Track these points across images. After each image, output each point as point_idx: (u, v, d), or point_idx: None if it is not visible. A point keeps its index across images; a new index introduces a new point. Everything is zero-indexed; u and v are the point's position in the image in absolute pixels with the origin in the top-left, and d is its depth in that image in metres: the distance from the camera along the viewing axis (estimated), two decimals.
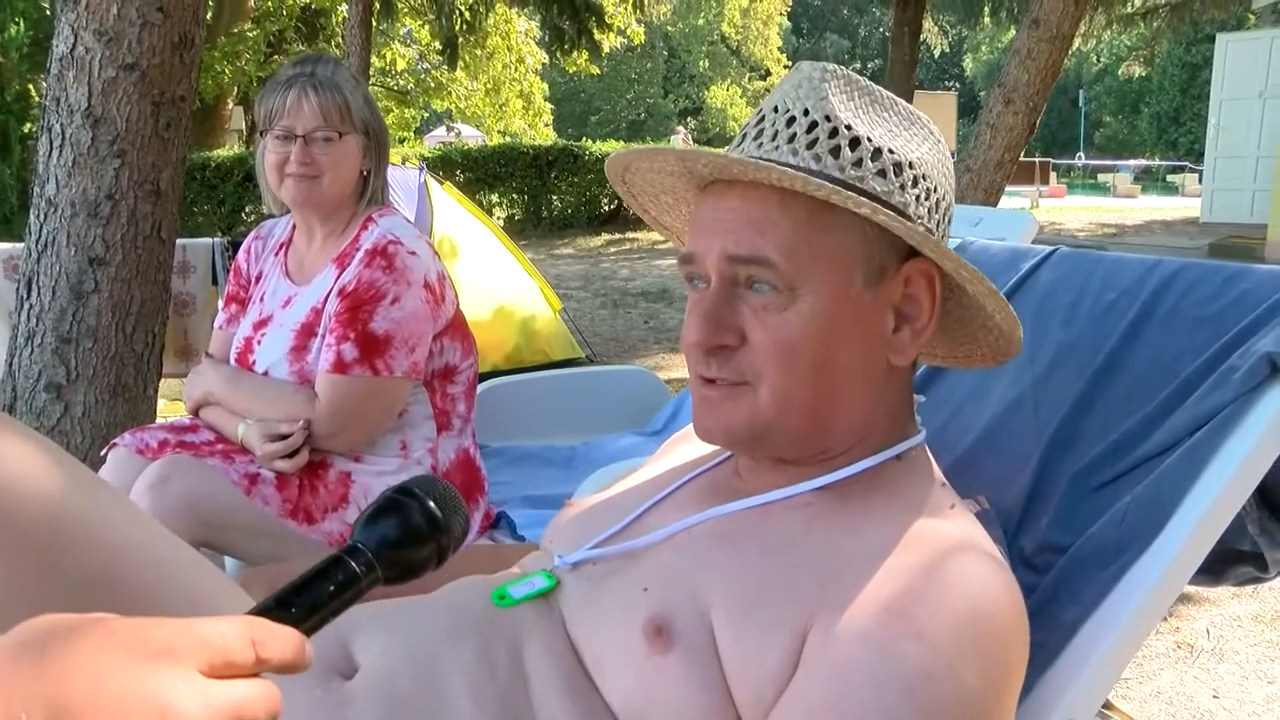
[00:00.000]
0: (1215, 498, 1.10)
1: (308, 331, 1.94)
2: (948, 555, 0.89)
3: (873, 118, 1.00)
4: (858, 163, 0.97)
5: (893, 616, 0.83)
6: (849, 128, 0.97)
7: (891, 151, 0.98)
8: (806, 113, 0.98)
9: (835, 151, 0.97)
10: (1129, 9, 15.18)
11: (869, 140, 0.98)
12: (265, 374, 1.98)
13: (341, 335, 1.88)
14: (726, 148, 1.05)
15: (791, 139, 0.98)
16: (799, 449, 1.01)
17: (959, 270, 0.97)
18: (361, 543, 0.75)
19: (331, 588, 0.70)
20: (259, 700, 0.55)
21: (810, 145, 0.97)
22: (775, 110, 1.01)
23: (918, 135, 1.02)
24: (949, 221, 1.06)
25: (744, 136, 1.03)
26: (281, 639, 0.60)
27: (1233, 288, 1.32)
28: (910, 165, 0.99)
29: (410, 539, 0.78)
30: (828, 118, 0.97)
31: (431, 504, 0.79)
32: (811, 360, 0.96)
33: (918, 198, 0.99)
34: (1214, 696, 2.46)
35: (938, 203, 1.02)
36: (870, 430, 1.02)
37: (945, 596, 0.84)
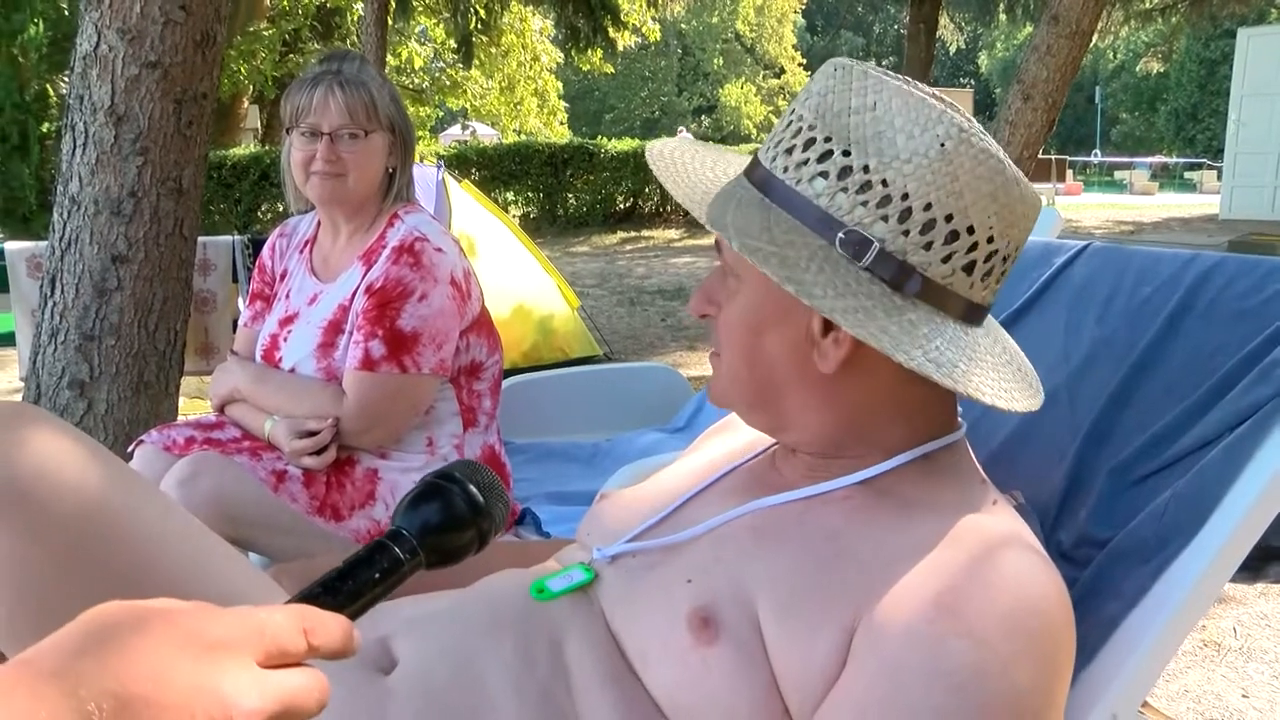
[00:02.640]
0: (1259, 493, 1.09)
1: (334, 328, 1.94)
2: (994, 551, 0.88)
3: (865, 120, 0.94)
4: (824, 174, 0.94)
5: (942, 613, 0.82)
6: (827, 139, 0.94)
7: (866, 169, 0.92)
8: (802, 118, 0.98)
9: (805, 161, 0.96)
10: (1147, 4, 15.08)
11: (843, 155, 0.93)
12: (291, 371, 1.98)
13: (369, 332, 1.87)
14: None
15: (778, 143, 0.99)
16: (763, 427, 1.07)
17: (844, 318, 0.90)
18: (404, 528, 0.76)
19: (376, 574, 0.71)
20: (310, 689, 0.57)
21: (789, 152, 0.97)
22: (789, 123, 1.01)
23: (918, 139, 0.92)
24: (930, 227, 0.92)
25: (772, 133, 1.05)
26: (330, 626, 0.61)
27: (1273, 282, 1.30)
28: (884, 183, 0.92)
29: (452, 524, 0.79)
30: (811, 126, 0.96)
31: (473, 489, 0.81)
32: (742, 345, 1.02)
33: (885, 218, 0.92)
34: (1243, 696, 2.43)
35: (907, 211, 0.92)
36: (875, 430, 1.00)
37: (994, 593, 0.84)
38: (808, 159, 0.95)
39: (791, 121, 0.99)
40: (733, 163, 1.10)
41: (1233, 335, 1.29)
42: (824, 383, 0.99)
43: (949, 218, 0.93)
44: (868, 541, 0.92)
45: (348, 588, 0.69)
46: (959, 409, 1.07)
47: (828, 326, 0.96)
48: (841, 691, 0.84)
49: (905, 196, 0.92)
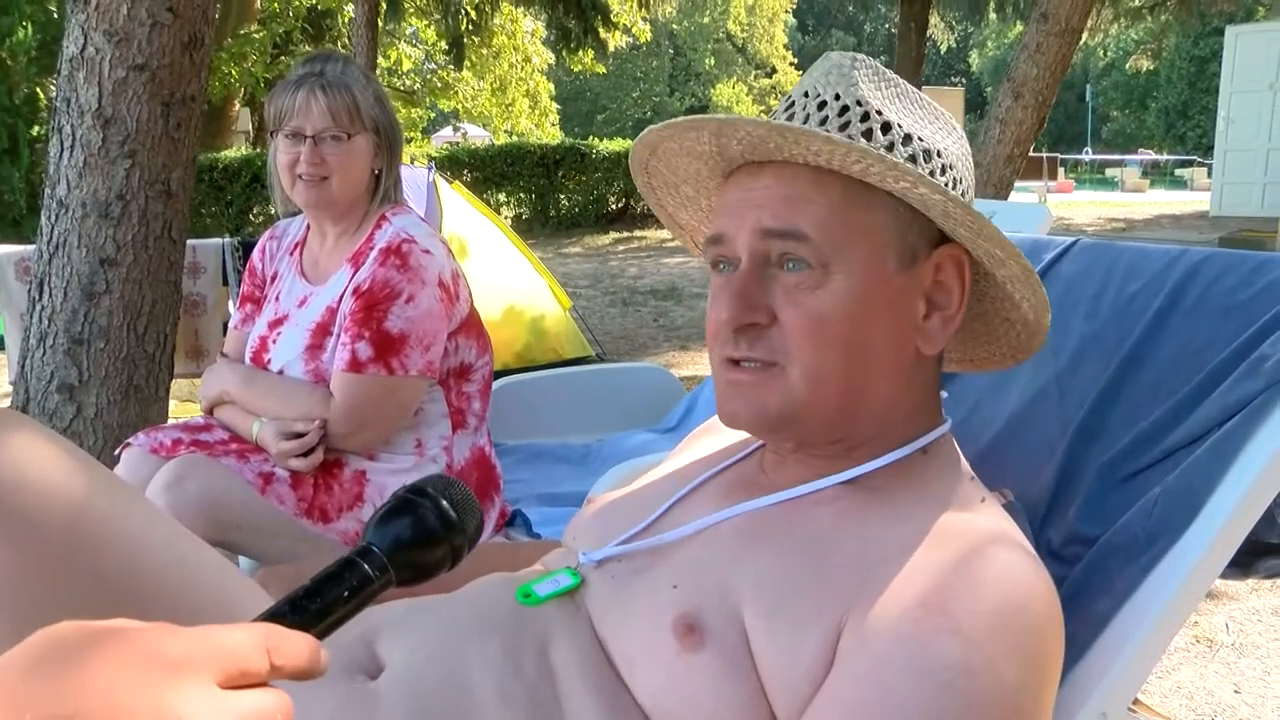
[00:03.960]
0: (1248, 488, 1.08)
1: (323, 331, 1.93)
2: (981, 549, 0.87)
3: (901, 106, 1.00)
4: (890, 146, 0.96)
5: (929, 612, 0.82)
6: (879, 113, 0.97)
7: (921, 139, 0.98)
8: (838, 97, 0.98)
9: (868, 134, 0.96)
10: (1136, 2, 15.13)
11: (899, 126, 0.97)
12: (280, 373, 1.97)
13: (356, 334, 1.87)
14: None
15: (823, 121, 0.97)
16: (827, 433, 0.99)
17: (994, 251, 0.96)
18: (375, 544, 0.74)
19: (345, 592, 0.69)
20: (272, 711, 0.55)
21: (843, 128, 0.96)
22: (805, 95, 1.00)
23: (942, 128, 1.02)
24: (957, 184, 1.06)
25: (773, 118, 1.01)
26: (296, 646, 0.59)
27: (1261, 276, 1.30)
28: (938, 154, 0.99)
29: (424, 540, 0.76)
30: (859, 102, 0.97)
31: (445, 504, 0.78)
32: (843, 338, 0.94)
33: (945, 185, 0.98)
34: (1235, 692, 2.44)
35: (964, 193, 1.02)
36: (893, 421, 1.01)
37: (981, 591, 0.83)
38: (892, 142, 0.97)
39: (848, 106, 0.98)
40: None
41: (1221, 330, 1.29)
42: (910, 367, 1.00)
43: (971, 198, 1.04)
44: (855, 541, 0.91)
45: (315, 606, 0.67)
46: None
47: (928, 309, 0.99)
48: (830, 691, 0.83)
49: (960, 181, 1.02)
